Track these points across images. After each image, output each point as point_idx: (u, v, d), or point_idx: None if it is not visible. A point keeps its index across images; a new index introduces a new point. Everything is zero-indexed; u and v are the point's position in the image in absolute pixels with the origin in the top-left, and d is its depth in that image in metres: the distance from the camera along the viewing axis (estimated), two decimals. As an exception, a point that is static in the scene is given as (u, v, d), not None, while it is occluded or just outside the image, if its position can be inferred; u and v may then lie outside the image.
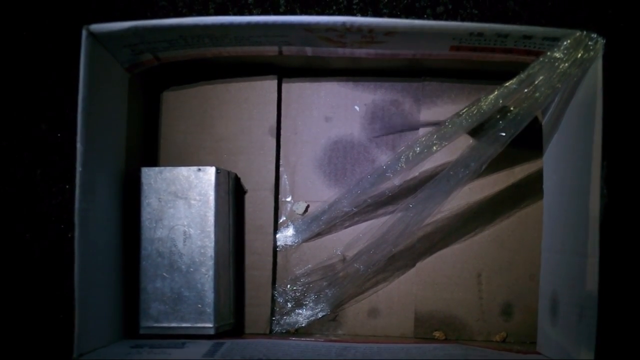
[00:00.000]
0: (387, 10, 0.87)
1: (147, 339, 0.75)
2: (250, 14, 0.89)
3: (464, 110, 0.71)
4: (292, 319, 0.83)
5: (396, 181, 0.80)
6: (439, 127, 0.72)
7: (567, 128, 0.72)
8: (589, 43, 0.65)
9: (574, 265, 0.67)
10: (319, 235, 0.84)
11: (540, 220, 0.80)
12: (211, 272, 0.75)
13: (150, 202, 0.76)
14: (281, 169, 0.85)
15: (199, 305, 0.75)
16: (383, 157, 0.84)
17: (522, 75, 0.68)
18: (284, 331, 0.83)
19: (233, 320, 0.81)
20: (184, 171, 0.76)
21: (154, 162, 0.85)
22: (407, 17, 0.87)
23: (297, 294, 0.83)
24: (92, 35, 0.67)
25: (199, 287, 0.75)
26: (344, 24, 0.66)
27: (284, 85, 0.86)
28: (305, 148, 0.85)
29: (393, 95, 0.85)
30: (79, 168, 0.67)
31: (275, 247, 0.85)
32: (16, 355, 0.87)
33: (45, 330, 0.87)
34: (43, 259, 0.87)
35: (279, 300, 0.84)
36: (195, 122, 0.85)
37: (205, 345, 0.72)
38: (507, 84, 0.69)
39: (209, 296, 0.75)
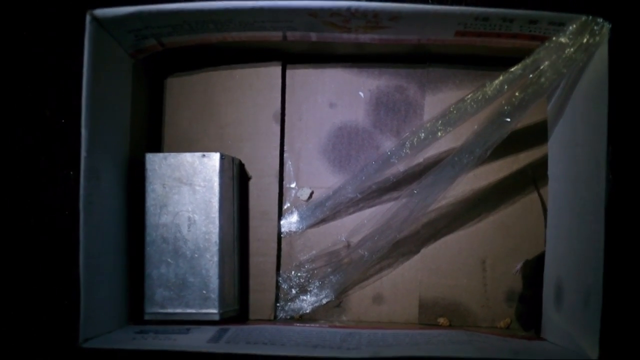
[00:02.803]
0: (391, -5, 0.87)
1: (152, 325, 0.75)
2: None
3: (469, 96, 0.71)
4: (296, 305, 0.83)
5: (401, 167, 0.80)
6: (443, 112, 0.72)
7: (573, 113, 0.72)
8: (595, 28, 0.65)
9: (579, 251, 0.67)
10: (323, 221, 0.84)
11: (545, 206, 0.80)
12: (216, 258, 0.75)
13: (154, 188, 0.76)
14: (285, 155, 0.85)
15: (204, 291, 0.75)
16: (387, 143, 0.84)
17: (527, 61, 0.68)
18: (288, 317, 0.83)
19: (238, 307, 0.81)
20: (189, 157, 0.76)
21: (158, 148, 0.85)
22: (412, 1, 0.87)
23: (302, 280, 0.83)
24: (96, 20, 0.67)
25: (204, 273, 0.75)
26: (348, 8, 0.66)
27: (289, 72, 0.86)
28: (309, 134, 0.85)
29: (398, 81, 0.84)
30: (83, 154, 0.67)
31: (279, 233, 0.85)
32: (22, 342, 0.87)
33: (50, 316, 0.87)
34: (48, 245, 0.88)
35: (283, 286, 0.84)
36: (199, 109, 0.85)
37: (210, 331, 0.72)
38: (512, 70, 0.69)
39: (214, 282, 0.75)
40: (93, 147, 0.68)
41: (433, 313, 0.83)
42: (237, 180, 0.81)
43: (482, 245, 0.82)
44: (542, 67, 0.68)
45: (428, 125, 0.73)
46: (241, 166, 0.83)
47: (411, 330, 0.76)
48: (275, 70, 0.85)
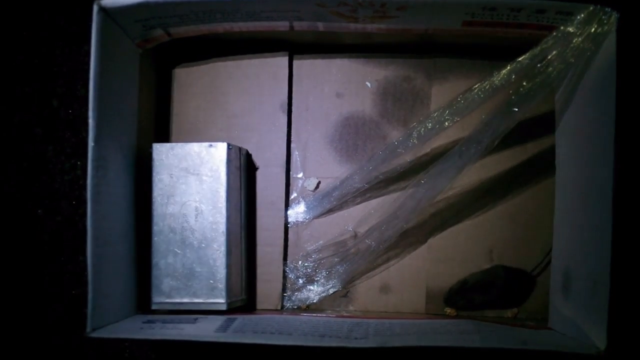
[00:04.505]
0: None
1: (159, 315, 0.76)
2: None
3: (476, 86, 0.70)
4: (303, 295, 0.83)
5: (408, 157, 0.80)
6: (451, 102, 0.72)
7: (580, 103, 0.72)
8: (603, 17, 0.65)
9: (586, 240, 0.67)
10: (330, 211, 0.84)
11: (552, 195, 0.80)
12: (223, 248, 0.75)
13: (162, 178, 0.76)
14: (292, 145, 0.85)
15: (211, 281, 0.75)
16: (395, 133, 0.84)
17: (535, 50, 0.68)
18: (295, 307, 0.84)
19: (245, 296, 0.81)
20: (196, 147, 0.76)
21: (165, 138, 0.85)
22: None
23: (309, 270, 0.84)
24: (103, 10, 0.67)
25: (211, 262, 0.75)
26: (355, -2, 0.66)
27: (295, 62, 0.86)
28: (316, 124, 0.85)
29: (405, 71, 0.84)
30: (91, 143, 0.67)
31: (286, 223, 0.85)
32: (31, 331, 0.87)
33: (58, 305, 0.87)
34: (56, 235, 0.88)
35: (290, 276, 0.84)
36: (206, 99, 0.85)
37: (217, 321, 0.72)
38: (520, 59, 0.69)
39: (221, 272, 0.75)
40: (100, 136, 0.68)
41: (440, 303, 0.83)
42: (244, 170, 0.81)
43: (489, 235, 0.82)
44: (549, 57, 0.67)
45: (435, 115, 0.73)
46: (248, 156, 0.83)
47: (418, 320, 0.76)
48: (282, 60, 0.85)
